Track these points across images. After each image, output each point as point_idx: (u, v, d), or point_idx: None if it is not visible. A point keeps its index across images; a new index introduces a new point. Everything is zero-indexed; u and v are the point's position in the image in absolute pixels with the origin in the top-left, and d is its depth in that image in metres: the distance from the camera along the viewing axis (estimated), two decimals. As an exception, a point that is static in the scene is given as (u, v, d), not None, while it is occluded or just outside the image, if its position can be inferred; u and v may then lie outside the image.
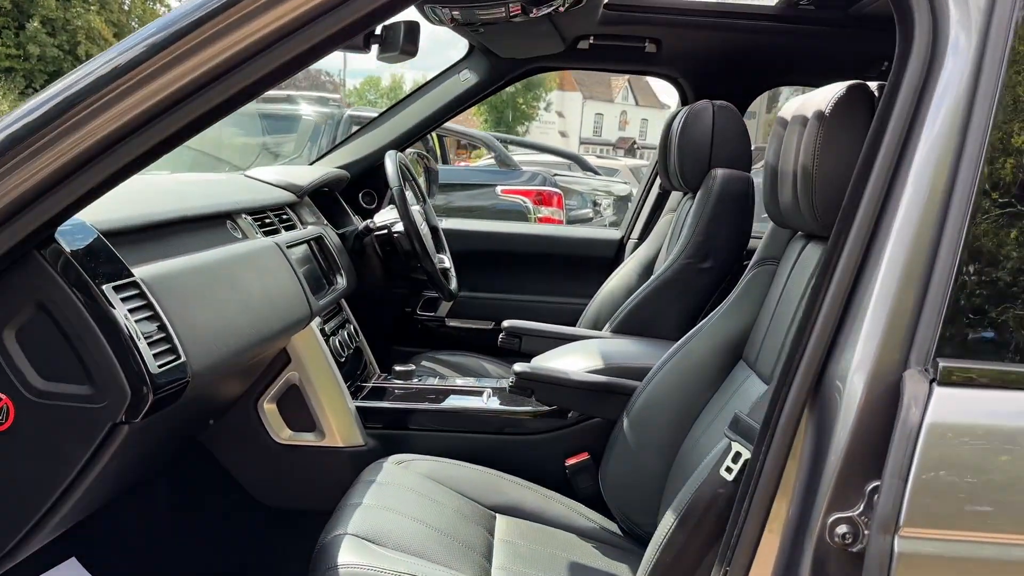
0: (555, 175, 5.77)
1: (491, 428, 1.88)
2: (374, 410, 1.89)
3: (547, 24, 2.17)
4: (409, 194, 2.48)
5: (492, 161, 6.69)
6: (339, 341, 2.00)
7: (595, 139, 40.05)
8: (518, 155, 6.66)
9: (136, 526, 1.83)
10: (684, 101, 2.65)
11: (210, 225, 1.65)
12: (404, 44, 1.77)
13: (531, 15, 1.98)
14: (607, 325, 2.25)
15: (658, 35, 2.46)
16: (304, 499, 1.87)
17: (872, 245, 0.96)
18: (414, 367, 2.10)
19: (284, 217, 2.03)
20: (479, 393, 1.99)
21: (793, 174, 1.39)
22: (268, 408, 1.82)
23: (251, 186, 2.09)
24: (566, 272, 2.87)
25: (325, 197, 2.57)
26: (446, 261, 2.57)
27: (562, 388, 1.78)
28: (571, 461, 1.82)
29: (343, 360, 1.98)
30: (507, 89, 2.83)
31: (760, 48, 2.45)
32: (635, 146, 39.59)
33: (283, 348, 1.80)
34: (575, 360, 1.92)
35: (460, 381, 2.10)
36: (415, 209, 2.47)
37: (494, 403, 1.93)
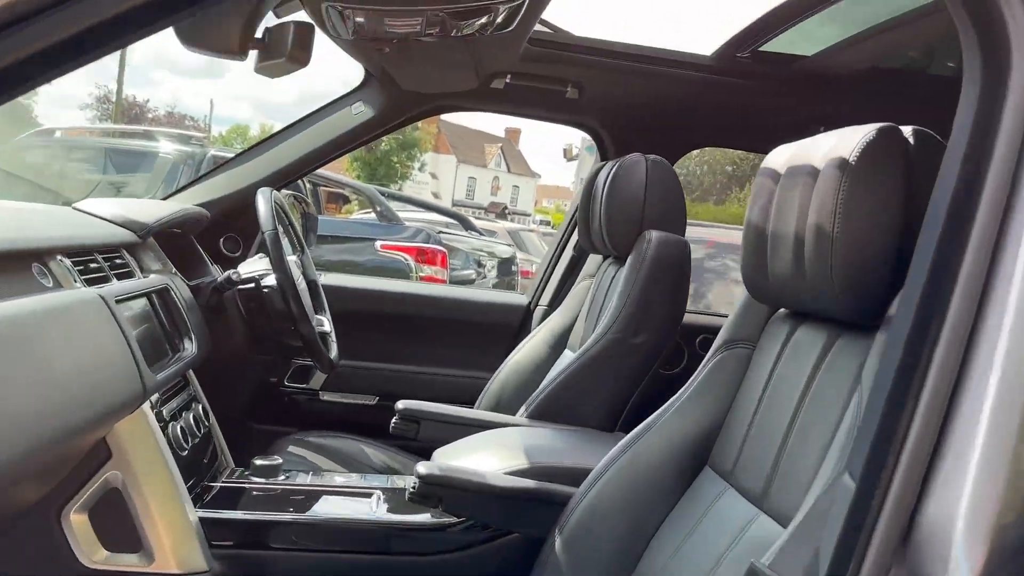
0: (439, 232, 5.42)
1: (380, 547, 1.45)
2: (223, 522, 1.42)
3: (464, 52, 1.84)
4: (285, 241, 2.05)
5: (369, 216, 6.29)
6: (182, 427, 1.53)
7: (468, 202, 40.20)
8: (399, 211, 6.29)
9: None
10: (604, 156, 2.38)
11: (8, 268, 1.17)
12: (293, 49, 1.38)
13: (452, 33, 1.64)
14: (522, 409, 1.88)
15: (582, 79, 2.18)
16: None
17: (975, 341, 0.68)
18: (279, 460, 1.65)
19: (118, 262, 1.56)
20: (365, 495, 1.56)
21: (795, 236, 1.10)
22: (76, 520, 1.33)
23: (78, 220, 1.61)
24: (465, 340, 2.50)
25: (177, 241, 2.10)
26: (326, 324, 2.13)
27: (479, 496, 1.39)
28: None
29: (185, 452, 1.51)
30: (381, 146, 2.46)
31: (692, 101, 2.22)
32: (506, 211, 40.13)
33: (102, 438, 1.33)
34: (490, 457, 1.54)
35: (340, 479, 1.66)
36: (291, 259, 2.04)
37: (383, 511, 1.51)
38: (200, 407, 1.67)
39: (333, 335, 2.13)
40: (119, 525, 1.34)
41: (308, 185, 5.20)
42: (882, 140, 1.02)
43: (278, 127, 2.98)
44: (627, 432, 1.40)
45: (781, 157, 1.21)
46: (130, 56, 23.82)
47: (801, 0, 1.85)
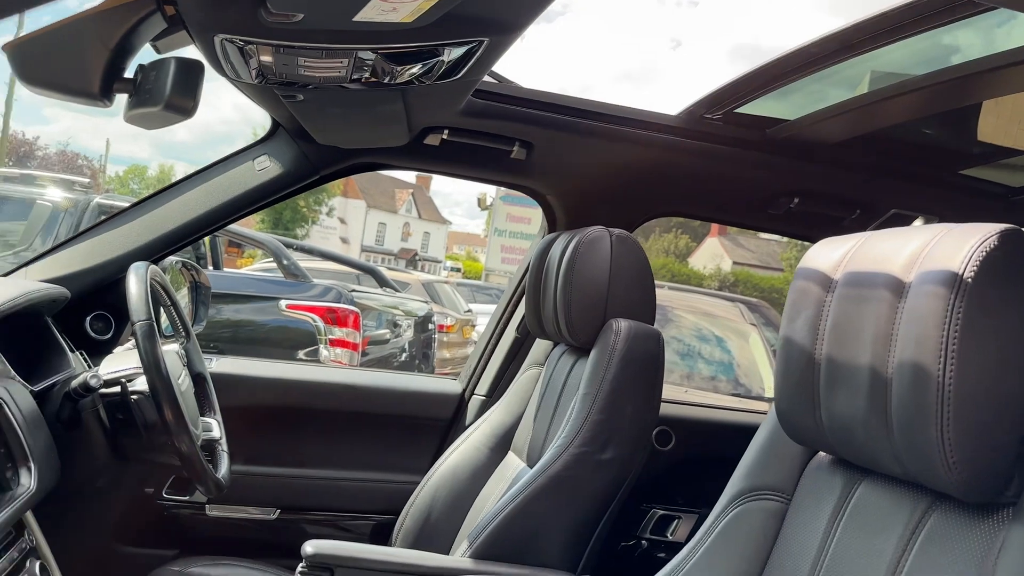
0: (352, 291, 5.00)
1: None
2: None
3: (396, 103, 1.50)
4: (165, 323, 1.66)
5: (272, 266, 5.80)
6: None
7: (377, 248, 39.54)
8: (303, 262, 5.82)
9: None
10: (552, 225, 2.07)
11: None
12: (173, 94, 1.03)
13: (384, 81, 1.30)
14: (464, 545, 1.51)
15: (530, 137, 1.87)
16: None
17: None
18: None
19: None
20: None
21: (871, 374, 0.80)
22: None
23: None
24: (386, 438, 2.11)
25: (29, 324, 1.66)
26: (215, 429, 1.72)
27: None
28: None
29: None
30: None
31: (654, 166, 1.94)
32: (416, 257, 39.71)
33: None
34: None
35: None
36: (172, 349, 1.64)
37: None
38: (39, 563, 1.23)
39: (224, 443, 1.72)
40: None
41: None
42: (1011, 248, 0.74)
43: (179, 168, 2.57)
44: (594, 576, 1.07)
45: (832, 255, 0.92)
46: (19, 90, 22.43)
47: (783, 64, 1.61)
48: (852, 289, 0.86)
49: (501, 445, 1.92)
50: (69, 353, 1.72)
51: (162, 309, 1.72)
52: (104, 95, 1.11)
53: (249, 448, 2.02)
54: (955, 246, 0.75)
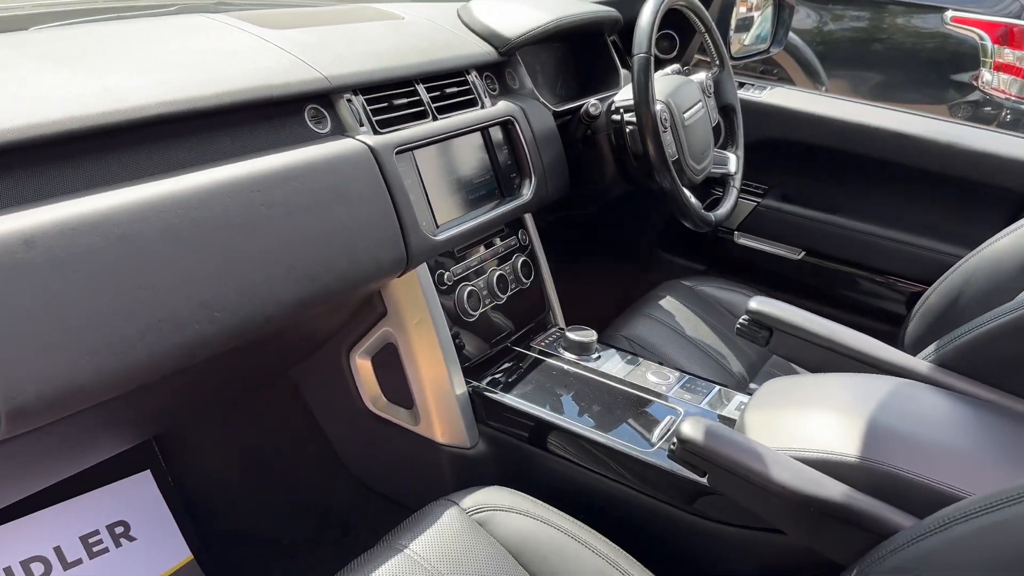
0: (1042, 3, 4.02)
1: (649, 488, 1.19)
2: (492, 402, 1.30)
3: None
4: (673, 67, 1.67)
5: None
6: (501, 275, 1.41)
7: None
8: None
9: (215, 455, 1.55)
10: None
11: (275, 114, 1.10)
12: None
13: None
14: (933, 347, 1.30)
15: None
16: (391, 485, 1.42)
17: None
18: (594, 337, 1.43)
19: (455, 90, 1.41)
20: (669, 414, 1.27)
21: None
22: (361, 364, 1.35)
23: (433, 37, 1.46)
24: (942, 203, 1.83)
25: (588, 46, 1.85)
26: (730, 164, 1.73)
27: (750, 486, 1.01)
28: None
29: (491, 307, 1.40)
30: None
31: None
32: None
33: (378, 293, 1.28)
34: (815, 424, 1.09)
35: (652, 376, 1.38)
36: (693, 81, 1.66)
37: (663, 444, 1.21)
38: (523, 259, 1.50)
39: (738, 180, 1.72)
40: (396, 379, 1.32)
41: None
42: None
43: None
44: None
45: None
46: None
47: None
48: None
49: (1072, 239, 1.50)
50: (622, 72, 1.88)
51: (704, 34, 1.72)
52: None
53: (786, 186, 1.98)
54: None
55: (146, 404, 1.15)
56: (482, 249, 1.42)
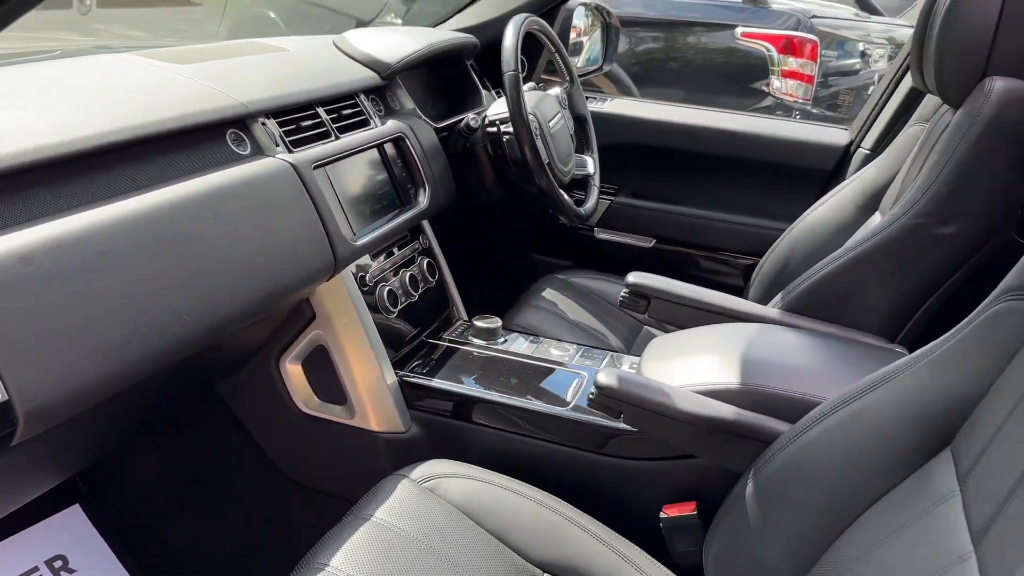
0: (813, 17, 4.64)
1: (569, 439, 1.37)
2: (420, 387, 1.44)
3: None
4: (529, 84, 1.87)
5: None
6: (412, 275, 1.56)
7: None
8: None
9: (145, 478, 1.59)
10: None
11: (200, 139, 1.20)
12: None
13: None
14: (778, 297, 1.58)
15: None
16: (330, 481, 1.52)
17: None
18: (498, 323, 1.60)
19: (352, 111, 1.54)
20: (575, 378, 1.46)
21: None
22: (292, 369, 1.44)
23: (324, 67, 1.59)
24: (762, 185, 2.15)
25: (451, 69, 2.03)
26: (589, 166, 1.97)
27: (659, 417, 1.22)
28: (670, 511, 1.28)
29: (405, 303, 1.54)
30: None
31: None
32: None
33: (306, 299, 1.39)
34: (699, 363, 1.32)
35: (555, 351, 1.57)
36: (550, 95, 1.87)
37: (578, 401, 1.40)
38: (426, 261, 1.65)
39: (597, 179, 1.96)
40: (328, 379, 1.43)
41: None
42: None
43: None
44: (911, 350, 1.09)
45: None
46: None
47: None
48: None
49: (870, 203, 1.83)
50: (483, 91, 2.07)
51: (553, 53, 1.94)
52: None
53: (633, 183, 2.24)
54: None
55: (70, 441, 1.18)
56: (395, 251, 1.57)
